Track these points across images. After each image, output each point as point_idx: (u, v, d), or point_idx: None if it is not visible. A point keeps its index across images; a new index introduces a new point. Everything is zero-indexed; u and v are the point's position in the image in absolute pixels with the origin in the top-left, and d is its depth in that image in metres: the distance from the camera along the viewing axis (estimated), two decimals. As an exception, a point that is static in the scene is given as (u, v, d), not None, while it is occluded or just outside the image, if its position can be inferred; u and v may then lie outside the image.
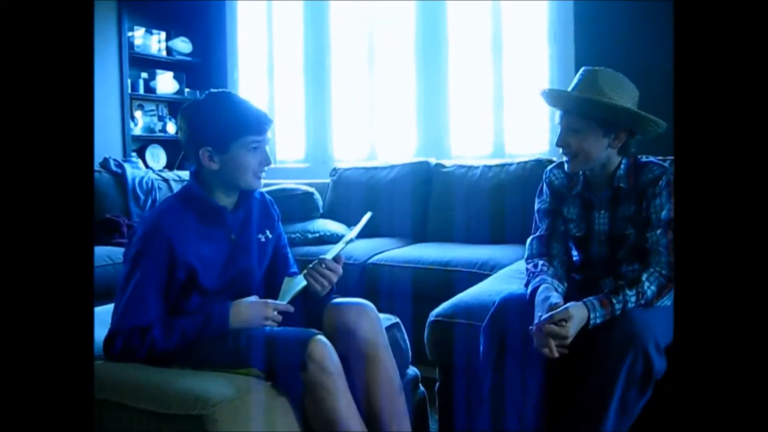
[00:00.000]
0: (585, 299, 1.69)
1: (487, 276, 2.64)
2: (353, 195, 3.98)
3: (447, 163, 3.89)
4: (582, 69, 1.86)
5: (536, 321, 1.69)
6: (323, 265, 1.79)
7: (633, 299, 1.68)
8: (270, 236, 1.90)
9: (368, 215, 1.92)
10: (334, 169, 4.26)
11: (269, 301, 1.74)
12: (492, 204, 3.48)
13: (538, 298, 1.75)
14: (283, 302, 1.76)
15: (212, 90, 1.81)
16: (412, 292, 2.98)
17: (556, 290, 1.78)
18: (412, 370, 2.10)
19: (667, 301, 1.72)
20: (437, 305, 2.18)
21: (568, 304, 1.68)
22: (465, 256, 3.06)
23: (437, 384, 2.14)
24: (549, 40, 3.90)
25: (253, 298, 1.75)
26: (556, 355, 1.63)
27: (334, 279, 1.80)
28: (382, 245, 3.45)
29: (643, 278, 1.70)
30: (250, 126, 1.72)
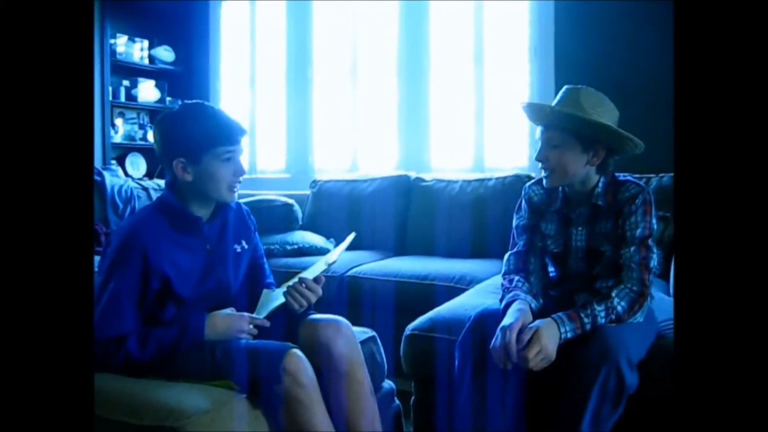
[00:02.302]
0: (554, 314, 1.71)
1: (465, 290, 2.66)
2: (333, 207, 3.99)
3: (427, 176, 3.92)
4: (564, 87, 1.89)
5: (498, 338, 1.70)
6: (303, 285, 1.79)
7: (602, 314, 1.70)
8: (246, 247, 1.90)
9: (351, 236, 1.93)
10: (314, 181, 4.27)
11: (245, 314, 1.74)
12: (471, 218, 3.50)
13: (507, 315, 1.77)
14: (259, 316, 1.76)
15: (186, 101, 1.81)
16: (390, 305, 2.99)
17: (530, 306, 1.80)
18: (388, 384, 2.11)
19: (639, 317, 1.74)
20: (415, 318, 2.18)
21: (536, 321, 1.70)
22: (443, 270, 3.08)
23: (413, 397, 2.14)
24: (530, 56, 3.95)
25: (230, 311, 1.75)
26: (533, 366, 1.65)
27: (313, 299, 1.81)
28: (361, 258, 3.46)
29: (613, 294, 1.73)
30: (222, 136, 1.72)
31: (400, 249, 3.74)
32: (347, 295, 3.17)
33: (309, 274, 1.83)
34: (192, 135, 1.71)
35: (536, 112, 1.90)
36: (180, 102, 1.97)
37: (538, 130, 1.89)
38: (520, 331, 1.68)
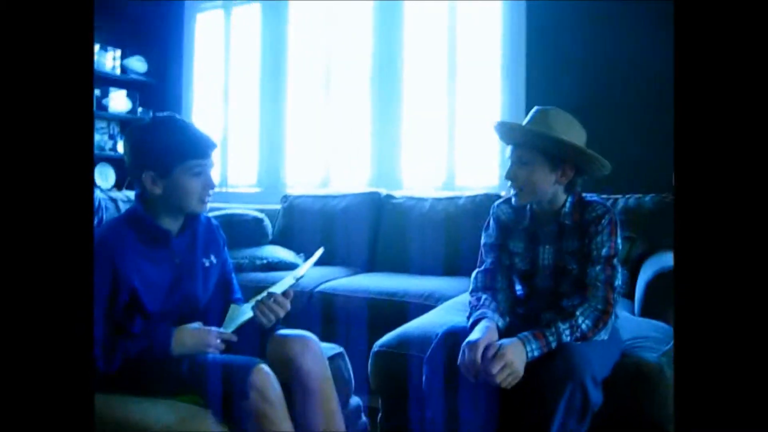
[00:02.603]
0: (520, 334, 1.73)
1: (433, 307, 2.66)
2: (304, 222, 3.99)
3: (397, 194, 3.94)
4: (534, 107, 1.93)
5: (464, 353, 1.72)
6: (272, 299, 1.79)
7: (567, 332, 1.72)
8: (215, 261, 1.89)
9: (320, 251, 1.93)
10: (285, 196, 4.26)
11: (213, 328, 1.73)
12: (441, 236, 3.53)
13: (473, 332, 1.78)
14: (227, 330, 1.75)
15: (157, 113, 1.81)
16: (359, 321, 2.98)
17: (497, 324, 1.81)
18: (355, 400, 2.10)
19: (604, 335, 1.77)
20: (383, 335, 2.19)
21: (502, 340, 1.72)
22: (413, 286, 3.09)
23: (380, 414, 2.14)
24: (502, 76, 4.00)
25: (197, 325, 1.73)
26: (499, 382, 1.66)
27: (282, 314, 1.80)
28: (330, 273, 3.46)
29: (578, 313, 1.75)
30: (192, 150, 1.72)
31: (371, 265, 3.75)
32: (316, 310, 3.16)
33: (277, 289, 1.82)
34: (162, 148, 1.70)
35: (507, 130, 1.93)
36: (152, 113, 1.97)
37: (509, 149, 1.92)
38: (487, 348, 1.70)
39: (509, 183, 1.90)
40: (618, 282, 1.83)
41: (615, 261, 1.83)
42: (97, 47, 5.03)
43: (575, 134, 1.86)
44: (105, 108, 5.10)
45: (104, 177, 5.11)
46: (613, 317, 1.80)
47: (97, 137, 5.10)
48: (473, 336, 1.75)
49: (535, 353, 1.70)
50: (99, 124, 5.15)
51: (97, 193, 4.29)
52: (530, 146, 1.85)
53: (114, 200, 4.35)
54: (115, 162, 5.13)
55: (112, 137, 5.18)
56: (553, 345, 1.71)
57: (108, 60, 5.11)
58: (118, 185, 5.07)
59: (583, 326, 1.74)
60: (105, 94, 5.11)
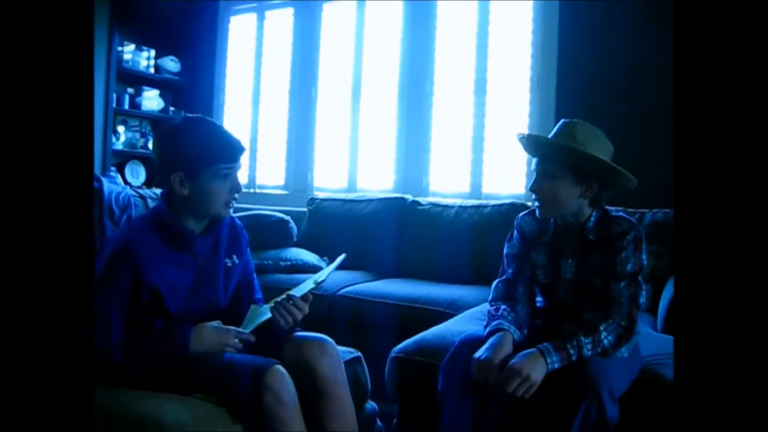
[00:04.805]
0: (540, 345, 1.71)
1: (454, 315, 2.66)
2: (329, 225, 4.00)
3: (423, 200, 3.93)
4: (561, 120, 1.91)
5: (474, 370, 1.73)
6: (291, 302, 1.79)
7: (589, 347, 1.70)
8: (237, 261, 1.90)
9: (342, 257, 1.94)
10: (312, 199, 4.28)
11: (231, 328, 1.74)
12: (465, 244, 3.51)
13: (484, 346, 1.78)
14: (245, 331, 1.76)
15: (188, 114, 1.82)
16: (378, 327, 2.99)
17: (513, 337, 1.80)
18: (371, 405, 2.10)
19: (624, 351, 1.74)
20: (402, 341, 2.18)
21: (521, 353, 1.71)
22: (433, 294, 3.08)
23: (395, 420, 2.14)
24: (531, 87, 3.98)
25: (216, 324, 1.74)
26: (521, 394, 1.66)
27: (299, 317, 1.80)
28: (352, 278, 3.47)
29: (602, 328, 1.73)
30: (221, 153, 1.73)
31: (394, 270, 3.74)
32: (337, 314, 3.17)
33: (297, 292, 1.83)
34: (192, 150, 1.71)
35: (532, 143, 1.92)
36: (183, 113, 1.98)
37: (534, 160, 1.91)
38: (502, 362, 1.70)
39: (533, 195, 1.89)
40: (642, 299, 1.81)
41: (639, 277, 1.81)
42: (132, 47, 5.13)
43: (601, 148, 1.84)
44: (138, 106, 5.19)
45: (135, 174, 5.18)
46: (635, 334, 1.78)
47: (129, 135, 5.18)
48: (483, 353, 1.75)
49: (556, 365, 1.68)
50: (131, 122, 5.24)
51: (127, 190, 4.35)
52: (555, 159, 1.84)
53: (143, 197, 4.40)
54: (145, 160, 5.22)
55: (144, 135, 5.26)
56: (574, 358, 1.69)
57: (142, 59, 5.20)
58: (148, 183, 5.14)
59: (605, 342, 1.72)
60: (139, 93, 5.19)
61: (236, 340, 1.71)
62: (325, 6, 4.79)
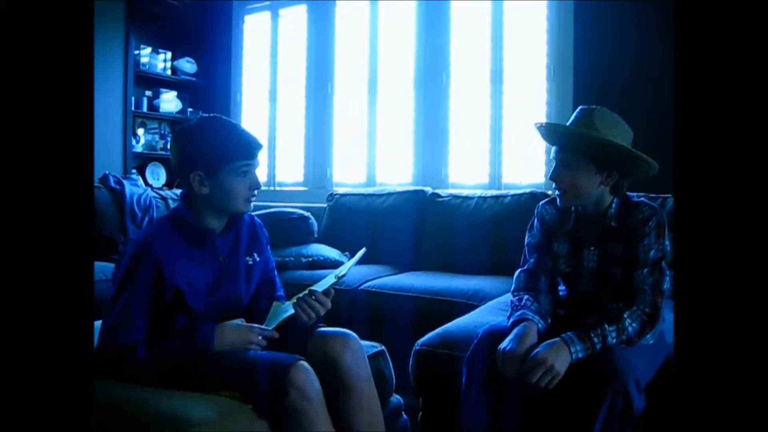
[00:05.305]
0: (563, 334, 1.70)
1: (476, 307, 2.65)
2: (349, 221, 4.00)
3: (443, 192, 3.92)
4: (579, 107, 1.88)
5: (499, 362, 1.72)
6: (313, 297, 1.80)
7: (613, 335, 1.68)
8: (258, 259, 1.91)
9: (362, 252, 1.93)
10: (331, 194, 4.29)
11: (254, 325, 1.75)
12: (486, 235, 3.50)
13: (508, 337, 1.77)
14: (268, 328, 1.76)
15: (204, 114, 1.83)
16: (401, 320, 2.99)
17: (537, 327, 1.79)
18: (396, 399, 2.10)
19: (650, 339, 1.72)
20: (425, 334, 2.18)
21: (544, 343, 1.70)
22: (456, 286, 3.07)
23: (420, 413, 2.14)
24: (548, 76, 3.95)
25: (239, 321, 1.75)
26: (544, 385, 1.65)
27: (322, 312, 1.81)
28: (374, 272, 3.47)
29: (625, 315, 1.71)
30: (239, 151, 1.74)
31: (416, 264, 3.74)
32: (360, 308, 3.17)
33: (319, 287, 1.83)
34: (209, 149, 1.72)
35: (550, 132, 1.90)
36: (200, 114, 1.99)
37: (553, 149, 1.89)
38: (527, 353, 1.69)
39: (554, 184, 1.87)
40: (666, 285, 1.78)
41: (663, 264, 1.78)
42: (148, 50, 5.17)
43: (621, 134, 1.81)
44: (156, 108, 5.23)
45: (155, 176, 5.23)
46: (660, 322, 1.75)
47: (148, 137, 5.23)
48: (508, 344, 1.74)
49: (580, 354, 1.67)
50: (150, 125, 5.28)
51: (148, 192, 4.40)
52: (574, 148, 1.82)
53: (164, 198, 4.44)
54: (165, 161, 5.26)
55: (163, 137, 5.30)
56: (598, 347, 1.68)
57: (159, 62, 5.24)
58: (169, 184, 5.18)
59: (630, 330, 1.70)
60: (156, 95, 5.23)
61: (259, 337, 1.72)
62: (338, 2, 4.79)
